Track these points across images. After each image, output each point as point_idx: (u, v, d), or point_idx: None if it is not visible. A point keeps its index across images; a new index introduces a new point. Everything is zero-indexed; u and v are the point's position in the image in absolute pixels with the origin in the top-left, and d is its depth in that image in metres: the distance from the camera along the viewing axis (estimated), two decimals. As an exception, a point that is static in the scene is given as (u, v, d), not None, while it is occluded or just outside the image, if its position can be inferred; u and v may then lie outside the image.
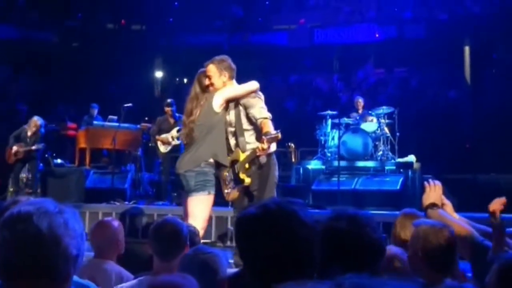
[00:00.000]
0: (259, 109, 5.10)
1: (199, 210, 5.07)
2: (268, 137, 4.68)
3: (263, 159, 5.04)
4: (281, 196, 9.24)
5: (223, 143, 5.22)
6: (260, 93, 5.29)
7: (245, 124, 5.18)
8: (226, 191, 5.24)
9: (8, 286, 1.57)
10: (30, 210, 1.58)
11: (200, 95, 5.24)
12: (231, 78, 5.28)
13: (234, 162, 5.16)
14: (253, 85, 5.28)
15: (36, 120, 10.74)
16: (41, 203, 1.62)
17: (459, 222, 3.03)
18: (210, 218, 8.09)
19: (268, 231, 1.69)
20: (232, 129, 5.23)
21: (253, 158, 5.00)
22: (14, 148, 10.48)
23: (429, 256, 2.61)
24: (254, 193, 5.09)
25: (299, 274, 1.65)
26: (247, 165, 5.01)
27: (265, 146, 4.70)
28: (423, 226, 2.72)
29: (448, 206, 3.22)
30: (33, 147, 10.60)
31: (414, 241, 2.71)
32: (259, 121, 5.03)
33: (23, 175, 11.18)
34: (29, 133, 10.62)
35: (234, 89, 5.25)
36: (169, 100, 10.20)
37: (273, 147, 5.19)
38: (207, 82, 5.21)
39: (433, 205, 3.09)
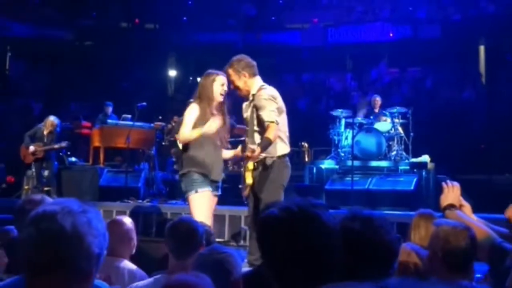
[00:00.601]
0: (268, 112, 5.04)
1: (193, 209, 5.19)
2: (248, 153, 4.81)
3: (269, 161, 5.03)
4: (294, 196, 9.24)
5: (206, 156, 5.23)
6: (275, 96, 5.20)
7: (256, 125, 5.16)
8: (241, 186, 5.32)
9: (31, 281, 1.61)
10: (55, 209, 1.62)
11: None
12: (252, 75, 5.22)
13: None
14: (210, 127, 5.19)
15: (53, 120, 10.80)
16: (65, 202, 1.66)
17: (477, 224, 3.00)
18: (223, 217, 8.17)
19: (289, 233, 1.69)
20: (247, 128, 5.28)
21: (259, 160, 5.01)
22: (32, 147, 10.53)
23: (448, 257, 2.59)
24: (258, 194, 5.09)
25: (320, 276, 1.65)
26: (250, 166, 5.01)
27: (249, 154, 4.80)
28: (444, 226, 2.70)
29: (467, 207, 3.19)
30: (56, 146, 10.65)
31: (434, 241, 2.69)
32: (265, 124, 5.00)
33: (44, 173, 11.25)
34: (45, 132, 10.67)
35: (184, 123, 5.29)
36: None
37: (286, 149, 5.19)
38: (232, 87, 5.26)
39: (451, 206, 3.07)
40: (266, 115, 5.00)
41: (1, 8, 18.51)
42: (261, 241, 1.78)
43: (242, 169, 5.28)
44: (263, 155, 4.96)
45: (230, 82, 5.22)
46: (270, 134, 4.90)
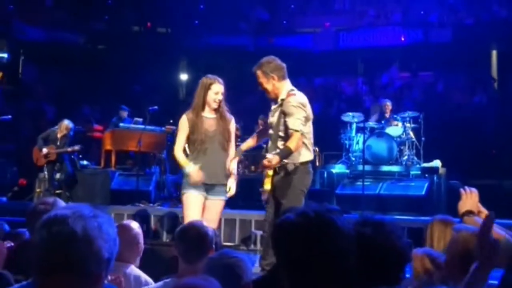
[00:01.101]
0: (295, 119, 4.93)
1: (183, 210, 5.35)
2: (265, 161, 4.74)
3: (290, 167, 4.96)
4: (306, 200, 9.23)
5: (194, 160, 5.29)
6: (304, 103, 5.12)
7: (281, 131, 5.05)
8: (261, 190, 5.38)
9: (41, 282, 1.64)
10: (67, 213, 1.65)
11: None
12: (281, 78, 5.11)
13: None
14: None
15: (67, 124, 10.85)
16: (77, 207, 1.70)
17: (495, 230, 2.99)
18: (234, 221, 8.18)
19: (306, 238, 1.71)
20: (272, 132, 5.17)
21: (281, 165, 4.94)
22: (45, 150, 10.58)
23: (466, 263, 2.58)
24: (278, 199, 5.04)
25: (334, 281, 1.67)
26: (270, 172, 4.95)
27: (266, 163, 4.73)
28: (463, 232, 2.69)
29: (484, 213, 3.18)
30: (69, 149, 10.70)
31: (452, 246, 2.68)
32: (289, 131, 4.90)
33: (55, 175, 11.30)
34: (59, 135, 10.73)
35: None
36: None
37: (309, 156, 5.14)
38: (261, 88, 5.15)
39: (469, 213, 3.05)
40: (291, 123, 4.90)
41: (16, 12, 18.67)
42: (276, 246, 1.79)
43: (262, 172, 5.26)
44: (285, 161, 4.90)
45: (258, 83, 5.12)
46: (292, 143, 4.80)
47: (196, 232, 3.18)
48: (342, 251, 1.71)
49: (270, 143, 5.19)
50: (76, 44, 18.55)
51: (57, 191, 10.62)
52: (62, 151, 10.67)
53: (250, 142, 5.60)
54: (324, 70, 17.72)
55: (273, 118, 5.14)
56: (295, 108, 4.96)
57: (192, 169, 5.16)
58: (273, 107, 5.19)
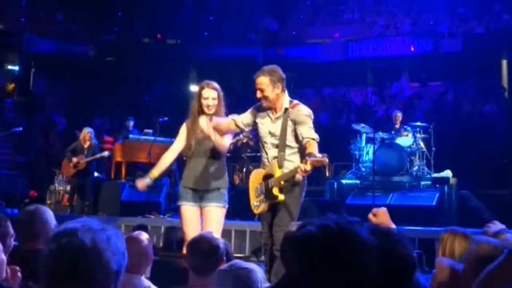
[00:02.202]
0: (308, 128, 4.88)
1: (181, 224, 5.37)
2: (313, 159, 4.49)
3: (299, 177, 4.93)
4: (316, 211, 9.21)
5: (185, 168, 5.40)
6: (311, 113, 5.06)
7: (290, 140, 4.97)
8: (255, 203, 5.10)
9: None
10: (76, 226, 1.68)
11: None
12: (283, 89, 5.03)
13: (268, 176, 5.00)
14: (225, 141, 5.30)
15: (87, 132, 10.90)
16: (86, 221, 1.72)
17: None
18: (244, 233, 8.17)
19: (330, 251, 1.69)
20: (275, 141, 5.03)
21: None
22: (74, 159, 10.62)
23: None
24: (282, 210, 4.92)
25: None
26: (283, 182, 4.87)
27: (308, 167, 4.53)
28: (484, 244, 2.66)
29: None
30: (98, 156, 10.75)
31: (471, 258, 2.65)
32: (305, 140, 4.81)
33: (60, 187, 11.34)
34: (85, 146, 10.78)
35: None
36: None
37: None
38: (258, 95, 5.00)
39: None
40: (307, 132, 4.85)
41: (27, 25, 18.84)
42: (299, 261, 1.78)
43: (253, 185, 5.14)
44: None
45: (258, 89, 4.98)
46: (314, 150, 4.72)
47: (207, 244, 3.15)
48: (367, 261, 1.71)
49: (270, 151, 5.05)
50: (86, 56, 18.67)
51: (87, 202, 10.63)
52: (91, 159, 10.70)
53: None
54: (333, 81, 17.72)
55: (274, 127, 5.03)
56: (307, 117, 4.95)
57: (140, 179, 5.42)
58: (272, 116, 5.07)
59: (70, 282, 1.61)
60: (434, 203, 9.43)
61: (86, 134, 10.83)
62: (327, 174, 11.44)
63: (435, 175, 10.45)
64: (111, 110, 16.65)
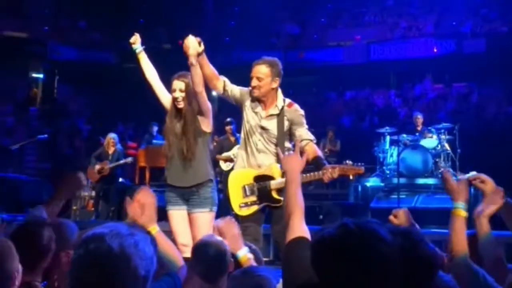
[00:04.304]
0: (306, 129, 4.71)
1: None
2: (348, 166, 4.40)
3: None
4: (340, 215, 9.16)
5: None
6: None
7: (287, 140, 4.72)
8: (241, 203, 4.77)
9: None
10: (104, 231, 1.67)
11: None
12: (279, 85, 4.71)
13: (264, 177, 4.70)
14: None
15: (111, 138, 10.94)
16: (114, 226, 1.71)
17: None
18: (268, 237, 8.13)
19: (351, 251, 1.68)
20: (265, 136, 4.71)
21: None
22: (97, 166, 10.69)
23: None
24: (277, 211, 4.67)
25: None
26: (279, 184, 4.59)
27: (335, 175, 4.40)
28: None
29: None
30: (121, 162, 10.79)
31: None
32: (304, 142, 4.59)
33: (85, 193, 11.41)
34: (110, 152, 10.86)
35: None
36: (228, 119, 10.31)
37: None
38: (254, 83, 4.67)
39: None
40: (305, 133, 4.67)
41: (51, 33, 19.07)
42: (318, 262, 1.75)
43: (249, 186, 4.77)
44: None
45: (257, 78, 4.64)
46: (319, 153, 4.63)
47: (214, 250, 2.97)
48: (388, 259, 1.68)
49: (259, 145, 4.74)
50: (109, 63, 18.83)
51: (112, 208, 10.70)
52: (114, 165, 10.76)
53: None
54: (356, 83, 17.65)
55: (267, 123, 4.71)
56: (303, 117, 4.75)
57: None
58: (263, 110, 4.73)
59: (98, 287, 1.61)
60: (460, 205, 9.30)
61: (110, 140, 10.89)
62: (351, 177, 11.35)
63: (461, 176, 10.31)
64: (134, 116, 16.75)
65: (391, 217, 3.05)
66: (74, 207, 11.12)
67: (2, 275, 2.46)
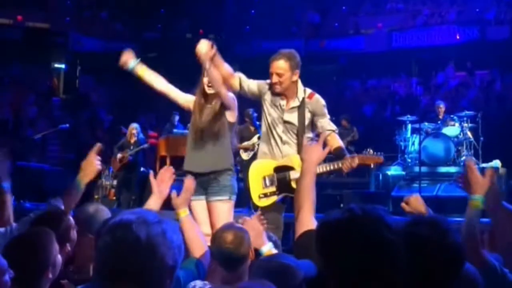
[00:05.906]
0: (328, 120, 4.70)
1: None
2: (367, 156, 4.42)
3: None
4: (361, 203, 9.12)
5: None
6: None
7: (307, 132, 4.67)
8: (260, 194, 4.77)
9: (105, 286, 1.63)
10: (131, 218, 1.63)
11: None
12: (298, 77, 4.67)
13: (285, 168, 4.69)
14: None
15: (133, 127, 11.05)
16: (141, 212, 1.67)
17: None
18: (289, 226, 8.12)
19: (355, 236, 1.67)
20: (289, 129, 4.70)
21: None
22: (119, 155, 10.82)
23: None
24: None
25: (387, 280, 1.64)
26: (297, 173, 4.47)
27: (354, 164, 4.40)
28: None
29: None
30: (137, 148, 10.90)
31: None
32: (327, 132, 4.51)
33: (107, 182, 11.51)
34: (132, 141, 10.96)
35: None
36: (248, 109, 10.30)
37: None
38: (274, 79, 4.61)
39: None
40: (328, 123, 4.68)
41: (73, 24, 19.19)
42: (324, 246, 1.75)
43: (268, 177, 4.75)
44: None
45: (277, 74, 4.57)
46: (340, 143, 4.65)
47: (233, 236, 2.89)
48: (393, 246, 1.67)
49: (284, 137, 4.72)
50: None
51: (133, 197, 10.80)
52: (131, 152, 10.86)
53: None
54: (377, 72, 17.52)
55: (289, 116, 4.68)
56: (325, 108, 4.72)
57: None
58: (284, 103, 4.70)
59: (124, 276, 1.58)
60: (483, 194, 9.21)
61: (132, 129, 10.98)
62: (372, 165, 11.29)
63: (484, 165, 10.21)
64: (155, 106, 16.81)
65: (403, 204, 3.02)
66: (96, 196, 11.22)
67: (40, 263, 2.48)
